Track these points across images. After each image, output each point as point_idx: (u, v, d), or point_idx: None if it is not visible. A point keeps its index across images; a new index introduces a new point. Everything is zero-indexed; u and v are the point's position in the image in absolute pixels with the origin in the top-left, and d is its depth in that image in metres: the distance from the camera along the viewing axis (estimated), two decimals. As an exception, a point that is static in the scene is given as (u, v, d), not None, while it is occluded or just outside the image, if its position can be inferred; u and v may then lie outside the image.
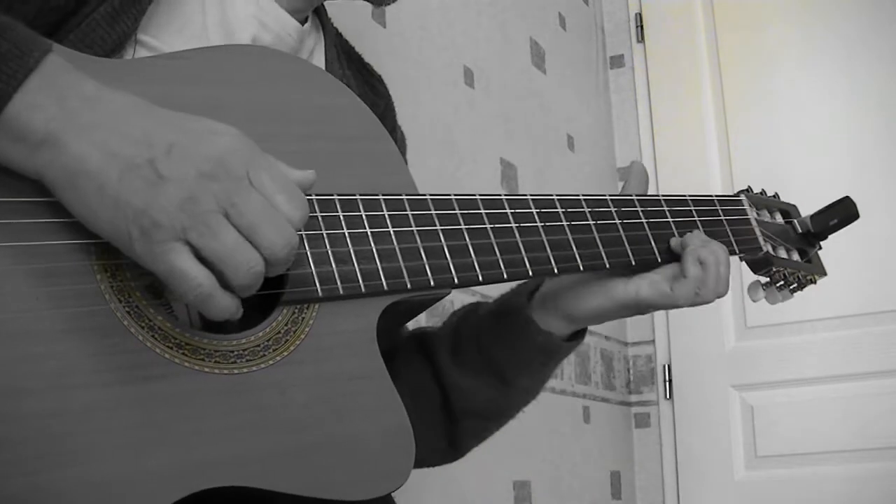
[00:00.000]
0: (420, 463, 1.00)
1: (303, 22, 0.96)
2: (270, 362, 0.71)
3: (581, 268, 0.91)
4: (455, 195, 0.86)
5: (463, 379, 0.98)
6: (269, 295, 0.73)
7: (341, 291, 0.75)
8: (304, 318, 0.74)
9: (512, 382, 0.98)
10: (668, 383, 2.70)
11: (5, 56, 0.60)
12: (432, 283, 0.81)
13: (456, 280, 0.82)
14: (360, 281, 0.76)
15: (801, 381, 2.52)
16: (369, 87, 1.09)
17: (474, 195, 0.88)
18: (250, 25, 0.89)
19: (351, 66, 1.07)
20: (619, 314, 0.97)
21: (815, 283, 1.11)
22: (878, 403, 2.41)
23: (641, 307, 0.96)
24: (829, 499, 2.41)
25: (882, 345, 2.44)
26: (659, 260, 0.97)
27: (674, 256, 0.98)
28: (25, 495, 0.58)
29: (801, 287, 1.10)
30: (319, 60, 0.99)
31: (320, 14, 1.03)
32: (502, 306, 0.99)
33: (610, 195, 0.97)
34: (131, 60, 0.77)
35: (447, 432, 1.01)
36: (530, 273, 0.87)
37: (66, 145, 0.61)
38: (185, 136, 0.64)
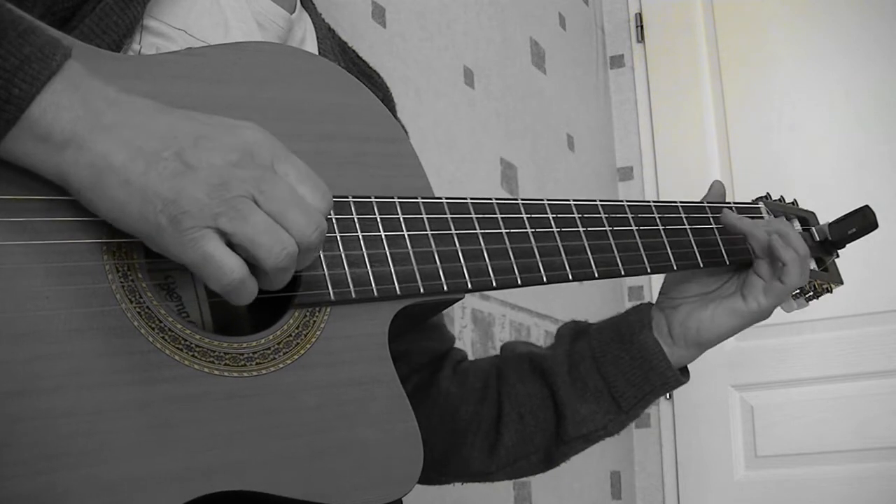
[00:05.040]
0: (512, 475, 1.03)
1: (291, 10, 0.97)
2: (281, 365, 0.71)
3: (596, 274, 0.91)
4: (471, 199, 0.86)
5: (583, 405, 0.99)
6: (281, 297, 0.73)
7: (353, 295, 0.75)
8: (315, 321, 0.74)
9: (629, 412, 1.00)
10: (668, 383, 2.70)
11: (29, 58, 0.60)
12: (445, 287, 0.80)
13: (469, 285, 0.82)
14: (373, 284, 0.76)
15: (801, 381, 2.53)
16: (366, 77, 1.09)
17: (490, 199, 0.87)
18: (241, 10, 0.90)
19: (345, 60, 1.08)
20: (745, 327, 0.99)
21: (831, 291, 1.10)
22: (877, 403, 2.42)
23: (766, 314, 0.99)
24: (829, 499, 2.41)
25: (882, 345, 2.45)
26: (675, 268, 0.97)
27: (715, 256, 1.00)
28: (35, 495, 0.58)
29: (816, 295, 1.09)
30: (312, 50, 1.00)
31: (307, 5, 1.04)
32: (625, 338, 1.00)
33: (627, 201, 0.97)
34: (148, 57, 0.78)
35: (548, 451, 1.02)
36: (545, 279, 0.87)
37: (91, 144, 0.62)
38: (210, 128, 0.65)
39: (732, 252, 1.01)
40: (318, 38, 1.02)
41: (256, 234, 0.63)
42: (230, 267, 0.63)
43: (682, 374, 1.01)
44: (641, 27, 2.93)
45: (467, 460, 1.03)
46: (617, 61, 2.96)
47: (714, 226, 1.01)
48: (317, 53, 1.00)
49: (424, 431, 1.01)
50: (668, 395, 2.69)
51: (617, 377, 0.98)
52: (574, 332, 1.04)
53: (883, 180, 2.52)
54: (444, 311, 1.03)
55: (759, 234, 0.98)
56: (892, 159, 2.54)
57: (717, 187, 1.06)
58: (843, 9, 2.66)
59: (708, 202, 1.04)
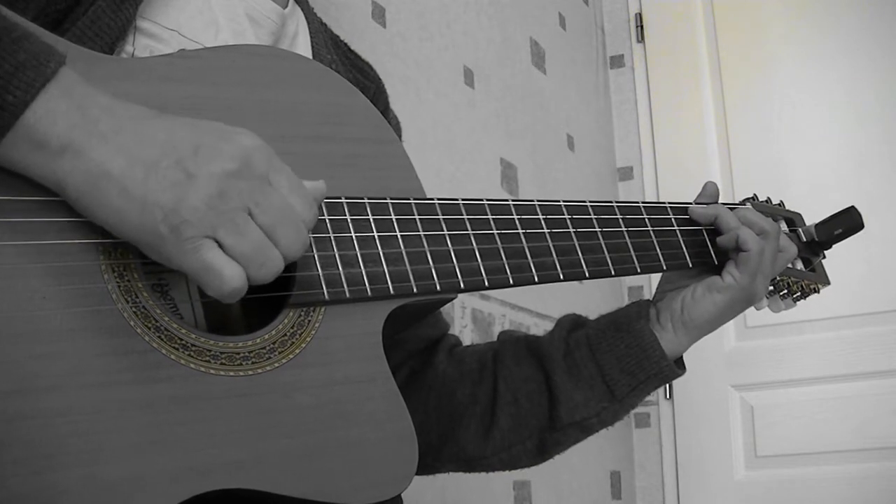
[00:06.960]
0: (507, 463, 1.02)
1: (284, 6, 0.98)
2: (276, 365, 0.71)
3: (587, 274, 0.92)
4: (462, 200, 0.87)
5: (577, 391, 1.00)
6: (276, 297, 0.73)
7: (348, 294, 0.75)
8: (310, 320, 0.74)
9: (622, 400, 1.00)
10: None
11: (23, 65, 0.60)
12: (438, 287, 0.81)
13: (462, 285, 0.83)
14: (367, 284, 0.77)
15: (801, 381, 2.52)
16: (357, 70, 1.10)
17: (481, 200, 0.88)
18: (233, 9, 0.91)
19: (338, 53, 1.09)
20: (730, 308, 1.01)
21: (818, 292, 1.12)
22: (877, 403, 2.42)
23: (747, 292, 1.00)
24: (829, 499, 2.41)
25: (882, 345, 2.45)
26: (664, 267, 0.99)
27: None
28: (33, 494, 0.58)
29: (804, 296, 1.10)
30: (305, 44, 1.01)
31: (299, 0, 1.04)
32: (622, 327, 1.01)
33: (616, 202, 0.98)
34: (142, 59, 0.78)
35: (542, 439, 1.03)
36: (536, 279, 0.88)
37: (88, 151, 0.62)
38: (208, 136, 0.65)
39: (721, 252, 1.02)
40: (310, 32, 1.02)
41: (250, 250, 0.64)
42: (230, 275, 0.64)
43: (678, 367, 1.02)
44: (641, 27, 2.93)
45: (463, 443, 1.03)
46: (617, 61, 2.96)
47: (703, 226, 1.03)
48: (310, 48, 1.01)
49: (421, 415, 1.02)
50: (667, 395, 2.70)
51: (611, 365, 0.99)
52: (573, 322, 1.06)
53: (883, 180, 2.52)
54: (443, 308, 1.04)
55: (723, 211, 1.02)
56: (892, 159, 2.54)
57: (710, 188, 1.07)
58: (843, 9, 2.66)
59: (698, 202, 1.05)
